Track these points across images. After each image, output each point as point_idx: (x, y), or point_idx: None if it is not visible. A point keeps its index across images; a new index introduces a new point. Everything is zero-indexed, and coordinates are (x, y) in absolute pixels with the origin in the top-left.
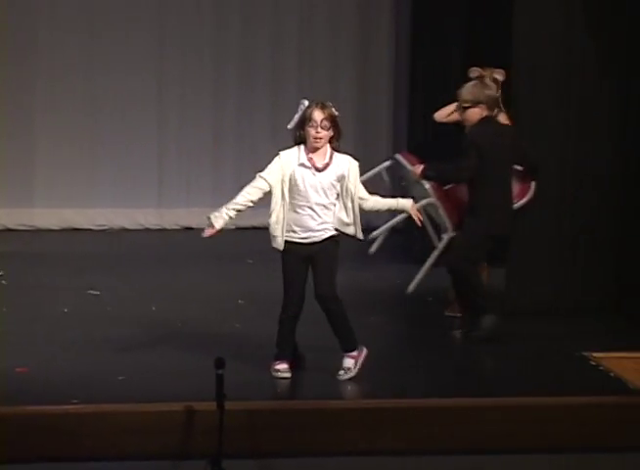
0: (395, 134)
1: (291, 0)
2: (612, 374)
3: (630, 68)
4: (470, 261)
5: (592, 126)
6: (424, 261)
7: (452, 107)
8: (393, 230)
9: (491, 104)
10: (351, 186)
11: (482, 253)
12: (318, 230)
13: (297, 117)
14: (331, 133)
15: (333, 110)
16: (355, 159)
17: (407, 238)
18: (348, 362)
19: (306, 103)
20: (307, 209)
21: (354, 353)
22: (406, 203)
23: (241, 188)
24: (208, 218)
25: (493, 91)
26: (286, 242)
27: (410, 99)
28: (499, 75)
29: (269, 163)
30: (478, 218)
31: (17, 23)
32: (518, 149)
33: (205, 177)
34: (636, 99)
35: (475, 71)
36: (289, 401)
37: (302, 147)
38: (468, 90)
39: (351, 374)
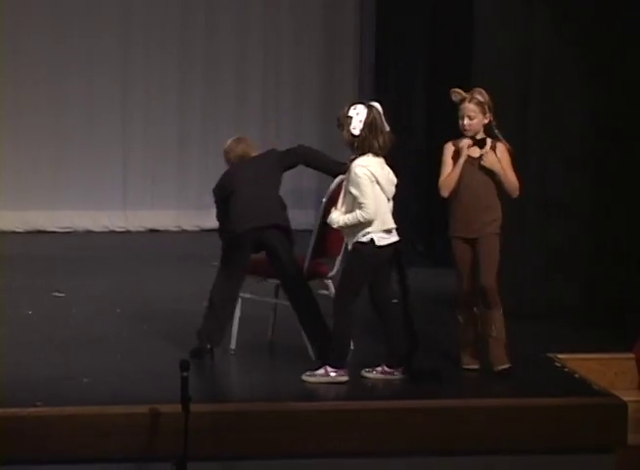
0: None
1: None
2: (576, 375)
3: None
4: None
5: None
6: (425, 264)
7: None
8: None
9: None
10: None
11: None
12: None
13: (359, 122)
14: None
15: None
16: None
17: (408, 241)
18: (320, 370)
19: (362, 107)
20: None
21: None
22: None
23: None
24: None
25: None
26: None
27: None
28: (480, 96)
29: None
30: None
31: None
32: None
33: (171, 179)
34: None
35: (456, 94)
36: (253, 403)
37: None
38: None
39: (310, 379)
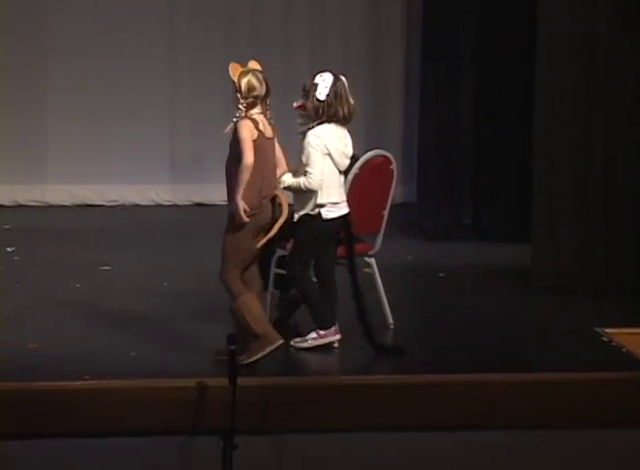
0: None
1: None
2: (624, 350)
3: None
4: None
5: (619, 103)
6: (434, 238)
7: None
8: (404, 205)
9: None
10: None
11: None
12: None
13: (325, 88)
14: None
15: None
16: None
17: (418, 214)
18: (311, 334)
19: (328, 74)
20: None
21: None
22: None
23: None
24: None
25: None
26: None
27: (422, 86)
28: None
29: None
30: None
31: (29, 5)
32: None
33: (217, 153)
34: None
35: None
36: (300, 377)
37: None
38: None
39: (302, 344)
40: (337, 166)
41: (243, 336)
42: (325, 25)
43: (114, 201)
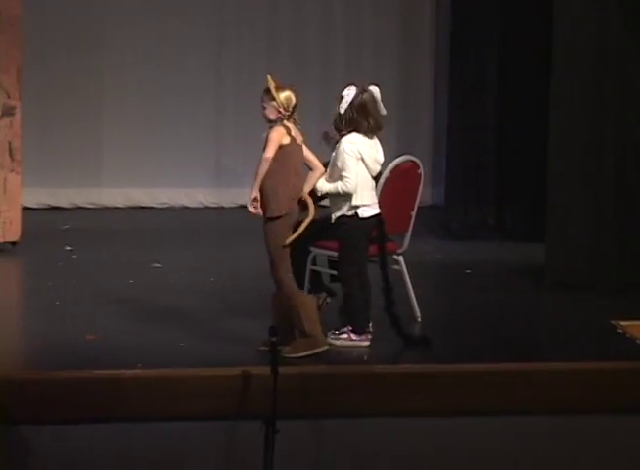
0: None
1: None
2: (638, 341)
3: None
4: None
5: (630, 103)
6: (461, 237)
7: None
8: (433, 207)
9: None
10: None
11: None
12: None
13: (346, 102)
14: None
15: None
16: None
17: (446, 215)
18: (344, 334)
19: (353, 89)
20: None
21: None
22: None
23: None
24: None
25: None
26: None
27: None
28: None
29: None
30: None
31: (86, 17)
32: None
33: (258, 159)
34: None
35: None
36: (336, 366)
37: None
38: None
39: (333, 341)
40: (369, 171)
41: (282, 328)
42: (360, 40)
43: (165, 203)
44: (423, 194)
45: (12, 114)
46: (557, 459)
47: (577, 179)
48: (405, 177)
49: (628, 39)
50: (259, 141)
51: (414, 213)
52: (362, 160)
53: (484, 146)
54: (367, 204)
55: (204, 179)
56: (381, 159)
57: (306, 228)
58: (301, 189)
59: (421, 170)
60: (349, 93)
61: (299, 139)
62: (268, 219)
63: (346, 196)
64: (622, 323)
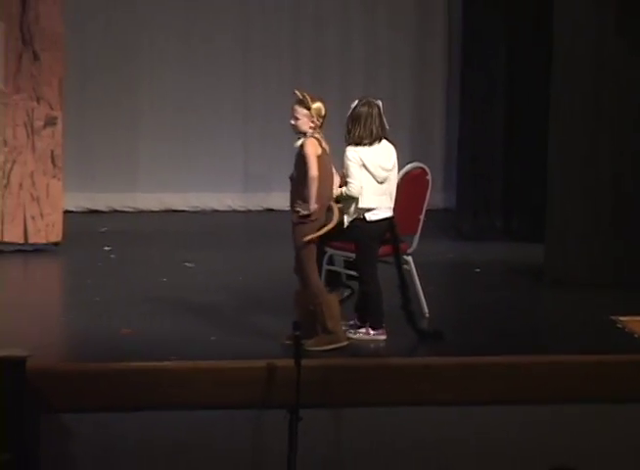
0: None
1: (356, 7)
2: (635, 335)
3: None
4: None
5: (627, 113)
6: (471, 238)
7: None
8: (445, 211)
9: None
10: None
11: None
12: None
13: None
14: None
15: None
16: None
17: (457, 218)
18: (362, 329)
19: (355, 102)
20: None
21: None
22: None
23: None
24: None
25: None
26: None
27: (461, 105)
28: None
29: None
30: None
31: (122, 35)
32: None
33: (283, 166)
34: None
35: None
36: (356, 359)
37: None
38: None
39: (353, 336)
40: (374, 177)
41: (305, 323)
42: (377, 55)
43: (196, 207)
44: (436, 198)
45: (54, 124)
46: (557, 446)
47: (576, 186)
48: (414, 183)
49: (624, 49)
50: (283, 149)
51: (422, 217)
52: (364, 166)
53: (492, 158)
54: (374, 207)
55: (232, 184)
56: (387, 165)
57: (328, 231)
58: (331, 197)
59: (429, 176)
60: (351, 106)
61: (327, 149)
62: (300, 222)
63: (353, 200)
64: (622, 318)
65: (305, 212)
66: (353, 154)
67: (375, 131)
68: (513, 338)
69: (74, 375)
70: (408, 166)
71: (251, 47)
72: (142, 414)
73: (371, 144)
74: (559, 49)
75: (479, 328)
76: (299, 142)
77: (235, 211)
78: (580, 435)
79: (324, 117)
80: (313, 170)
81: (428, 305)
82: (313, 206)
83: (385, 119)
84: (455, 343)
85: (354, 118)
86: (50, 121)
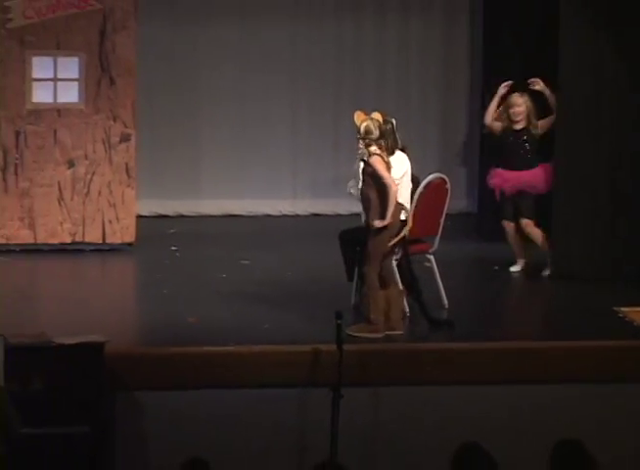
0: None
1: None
2: (635, 323)
3: None
4: None
5: (625, 112)
6: (490, 239)
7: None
8: (468, 215)
9: None
10: None
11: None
12: None
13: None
14: None
15: None
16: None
17: (478, 221)
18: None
19: None
20: None
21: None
22: None
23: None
24: None
25: None
26: None
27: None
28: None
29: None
30: None
31: (185, 63)
32: None
33: (328, 173)
34: None
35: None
36: (390, 344)
37: None
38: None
39: (353, 332)
40: None
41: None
42: (408, 77)
43: (251, 212)
44: (459, 203)
45: (128, 140)
46: (563, 421)
47: (577, 190)
48: (436, 191)
49: (623, 64)
50: (326, 160)
51: (442, 220)
52: None
53: None
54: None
55: (282, 192)
56: (397, 176)
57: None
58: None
59: (448, 185)
60: None
61: (389, 164)
62: (377, 229)
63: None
64: (622, 309)
65: (380, 225)
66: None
67: (390, 145)
68: (524, 325)
69: (146, 358)
70: (430, 177)
71: (298, 77)
72: (204, 392)
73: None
74: (563, 65)
75: (493, 317)
76: (364, 158)
77: (285, 216)
78: (583, 411)
79: (373, 136)
80: (392, 186)
81: (448, 297)
82: (388, 219)
83: (397, 135)
84: (472, 330)
85: (366, 133)
86: (125, 138)
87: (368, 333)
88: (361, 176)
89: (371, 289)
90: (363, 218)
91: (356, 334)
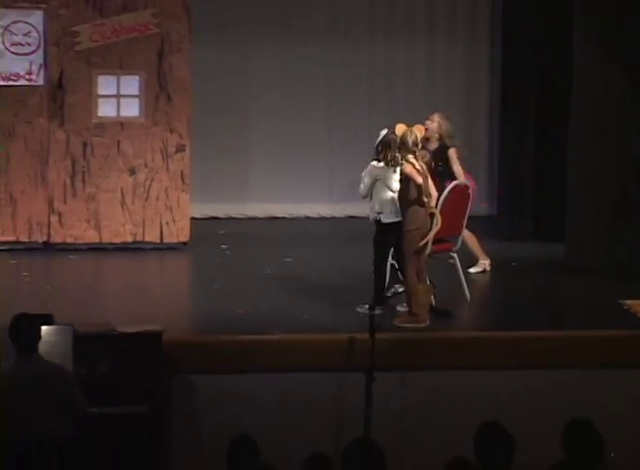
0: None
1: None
2: (638, 315)
3: None
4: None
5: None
6: (509, 239)
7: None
8: (489, 217)
9: None
10: None
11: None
12: None
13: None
14: None
15: None
16: None
17: (498, 223)
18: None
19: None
20: None
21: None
22: None
23: None
24: None
25: None
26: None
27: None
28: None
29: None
30: None
31: (235, 80)
32: None
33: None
34: None
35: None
36: (418, 333)
37: None
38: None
39: (361, 310)
40: (391, 190)
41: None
42: (434, 93)
43: (292, 214)
44: (481, 207)
45: (183, 150)
46: (576, 402)
47: (589, 195)
48: (459, 195)
49: (630, 80)
50: (361, 166)
51: (465, 222)
52: (379, 180)
53: (524, 175)
54: (386, 212)
55: (320, 196)
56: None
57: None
58: (431, 208)
59: (470, 190)
60: (382, 133)
61: (423, 171)
62: (407, 230)
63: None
64: (627, 302)
65: (408, 228)
66: (370, 168)
67: (398, 157)
68: (540, 316)
69: (199, 345)
70: (454, 183)
71: (333, 98)
72: (251, 376)
73: (394, 166)
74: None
75: (512, 308)
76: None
77: (323, 218)
78: (594, 394)
79: (409, 147)
80: (417, 180)
81: (470, 290)
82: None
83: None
84: (492, 319)
85: (385, 144)
86: (180, 148)
87: (411, 323)
88: (398, 182)
89: (410, 285)
90: (371, 217)
91: (402, 325)
